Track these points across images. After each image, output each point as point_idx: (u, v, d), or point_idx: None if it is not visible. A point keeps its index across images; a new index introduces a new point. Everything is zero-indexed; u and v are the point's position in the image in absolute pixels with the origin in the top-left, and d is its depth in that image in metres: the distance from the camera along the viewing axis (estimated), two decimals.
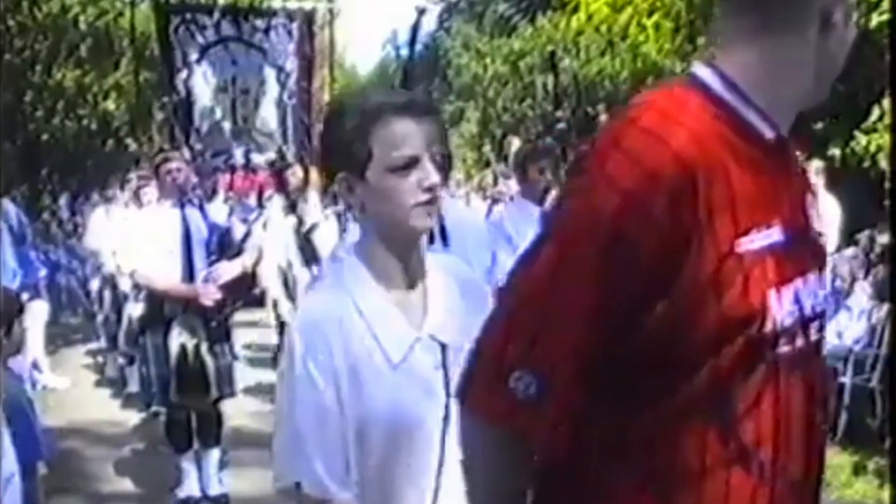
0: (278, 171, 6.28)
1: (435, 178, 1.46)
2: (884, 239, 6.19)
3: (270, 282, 5.72)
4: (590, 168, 1.10)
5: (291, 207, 5.70)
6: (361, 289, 1.49)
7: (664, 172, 1.02)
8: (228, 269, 4.48)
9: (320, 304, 1.51)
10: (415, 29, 3.14)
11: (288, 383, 1.46)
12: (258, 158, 12.24)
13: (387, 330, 1.48)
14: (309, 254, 5.55)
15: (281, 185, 5.76)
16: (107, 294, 7.65)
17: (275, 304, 5.88)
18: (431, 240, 2.62)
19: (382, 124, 1.45)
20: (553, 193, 4.65)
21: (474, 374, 1.15)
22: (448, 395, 1.47)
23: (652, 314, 1.04)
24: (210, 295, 4.36)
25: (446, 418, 1.47)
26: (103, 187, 9.06)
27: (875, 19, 6.62)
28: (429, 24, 22.16)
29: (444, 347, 1.50)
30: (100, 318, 7.91)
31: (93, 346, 8.48)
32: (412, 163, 1.45)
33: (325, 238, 5.24)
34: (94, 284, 8.15)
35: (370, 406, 1.45)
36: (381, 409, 1.45)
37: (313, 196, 5.68)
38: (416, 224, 1.48)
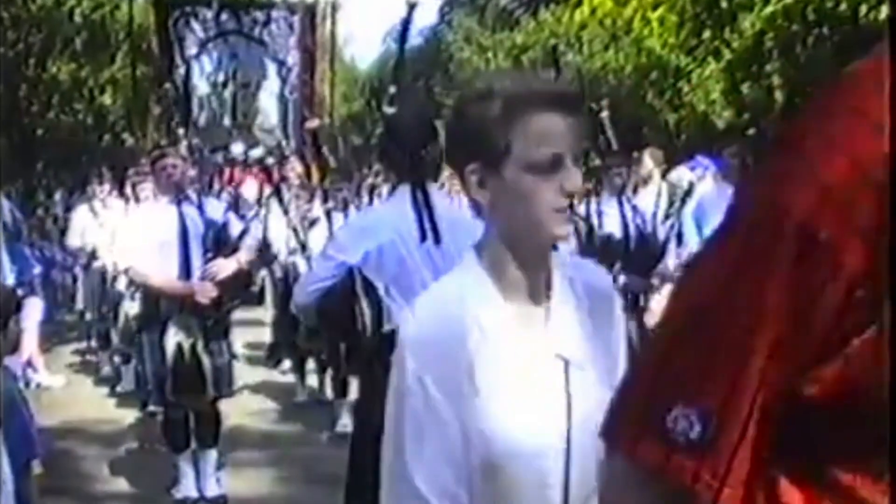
0: (269, 168, 6.20)
1: (578, 181, 1.32)
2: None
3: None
4: (786, 150, 0.90)
5: (281, 203, 5.64)
6: (481, 300, 1.36)
7: (872, 164, 0.82)
8: (225, 266, 4.39)
9: (435, 315, 1.38)
10: (406, 23, 3.04)
11: (396, 396, 1.36)
12: (257, 154, 12.20)
13: (507, 346, 1.35)
14: (304, 250, 5.49)
15: (271, 182, 5.67)
16: (83, 290, 7.60)
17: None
18: (423, 236, 2.52)
19: (528, 116, 1.30)
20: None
21: (625, 409, 0.93)
22: (570, 413, 1.36)
23: (853, 341, 0.84)
24: (207, 292, 4.28)
25: (569, 438, 1.36)
26: (84, 183, 8.99)
27: (884, 12, 6.55)
28: (431, 17, 22.14)
29: (567, 364, 1.37)
30: (88, 316, 7.84)
31: (87, 344, 8.40)
32: (556, 163, 1.30)
33: (321, 236, 5.15)
34: (79, 283, 8.08)
35: (487, 425, 1.33)
36: (499, 428, 1.33)
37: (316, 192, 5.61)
38: (554, 232, 1.34)
